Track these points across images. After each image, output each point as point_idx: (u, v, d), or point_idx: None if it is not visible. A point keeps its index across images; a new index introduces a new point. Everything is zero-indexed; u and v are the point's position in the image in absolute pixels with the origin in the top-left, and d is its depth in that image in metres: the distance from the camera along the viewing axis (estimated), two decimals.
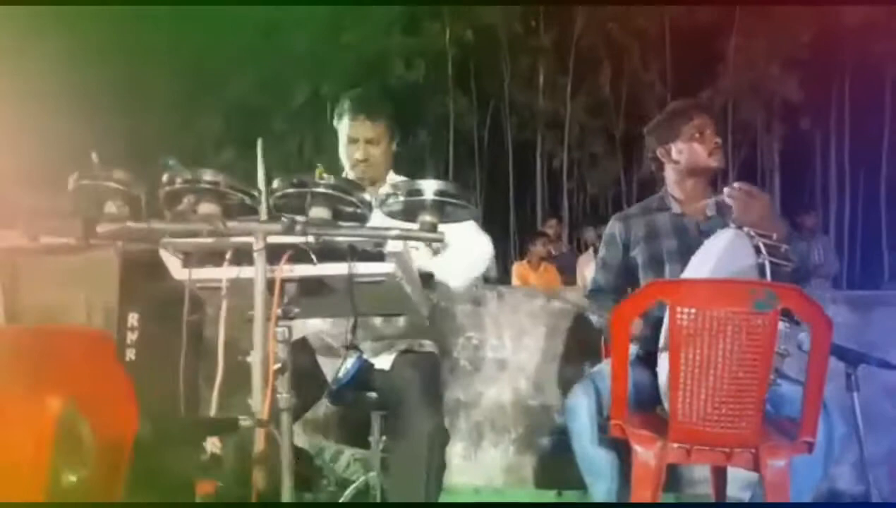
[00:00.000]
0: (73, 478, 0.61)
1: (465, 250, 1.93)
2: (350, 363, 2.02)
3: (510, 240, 13.73)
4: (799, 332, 1.55)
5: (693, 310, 1.45)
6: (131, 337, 2.21)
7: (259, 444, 1.34)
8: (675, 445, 1.60)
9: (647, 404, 1.85)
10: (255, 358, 1.35)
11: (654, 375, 1.85)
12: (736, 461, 1.57)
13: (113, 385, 0.64)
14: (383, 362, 2.02)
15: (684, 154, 2.13)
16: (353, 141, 2.06)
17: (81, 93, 8.70)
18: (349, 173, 2.08)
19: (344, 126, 2.07)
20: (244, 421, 1.26)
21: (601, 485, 1.91)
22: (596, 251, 6.21)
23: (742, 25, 11.78)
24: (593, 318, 2.22)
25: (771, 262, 1.51)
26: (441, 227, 1.34)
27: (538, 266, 6.22)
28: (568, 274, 6.56)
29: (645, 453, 1.65)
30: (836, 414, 1.68)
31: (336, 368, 2.02)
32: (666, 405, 1.75)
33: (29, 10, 8.92)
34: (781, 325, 1.46)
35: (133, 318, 2.22)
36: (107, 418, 0.61)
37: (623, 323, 1.55)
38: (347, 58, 12.84)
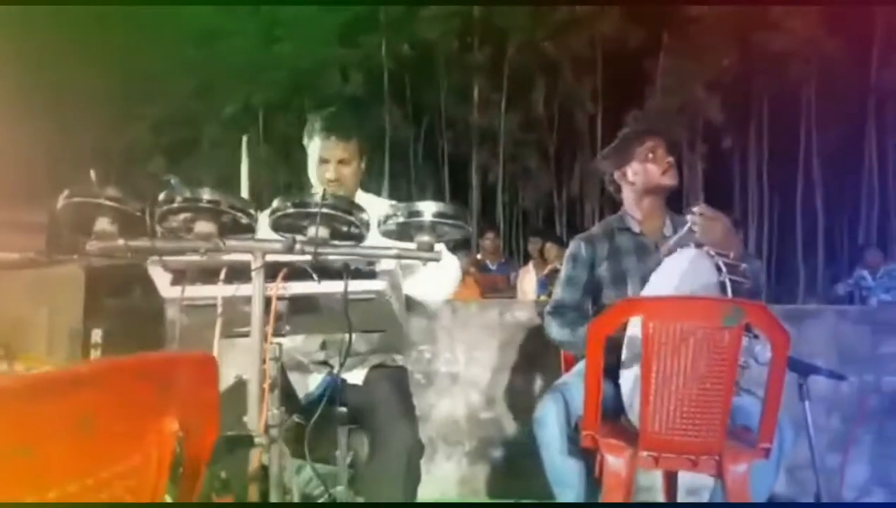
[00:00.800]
0: (169, 498, 0.62)
1: (437, 270, 1.97)
2: (321, 378, 2.04)
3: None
4: (755, 346, 1.67)
5: (665, 325, 1.55)
6: (95, 354, 2.15)
7: (255, 462, 1.35)
8: (645, 453, 1.69)
9: (611, 413, 1.94)
10: (251, 376, 1.36)
11: (616, 386, 1.95)
12: (701, 467, 1.67)
13: (207, 401, 0.66)
14: (355, 377, 2.04)
15: (640, 175, 2.26)
16: (324, 161, 2.07)
17: (14, 97, 8.32)
18: (317, 191, 2.10)
19: (315, 146, 2.07)
20: (258, 440, 1.27)
21: (569, 494, 1.99)
22: (535, 264, 6.40)
23: (669, 48, 12.36)
24: (554, 333, 2.28)
25: (731, 280, 1.63)
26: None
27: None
28: (503, 286, 6.66)
29: (615, 462, 1.74)
30: (787, 421, 1.82)
31: (306, 384, 2.04)
32: (630, 415, 1.85)
33: None
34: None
35: (96, 335, 2.17)
36: (198, 433, 0.63)
37: (598, 338, 1.64)
38: (282, 68, 12.74)
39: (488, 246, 7.29)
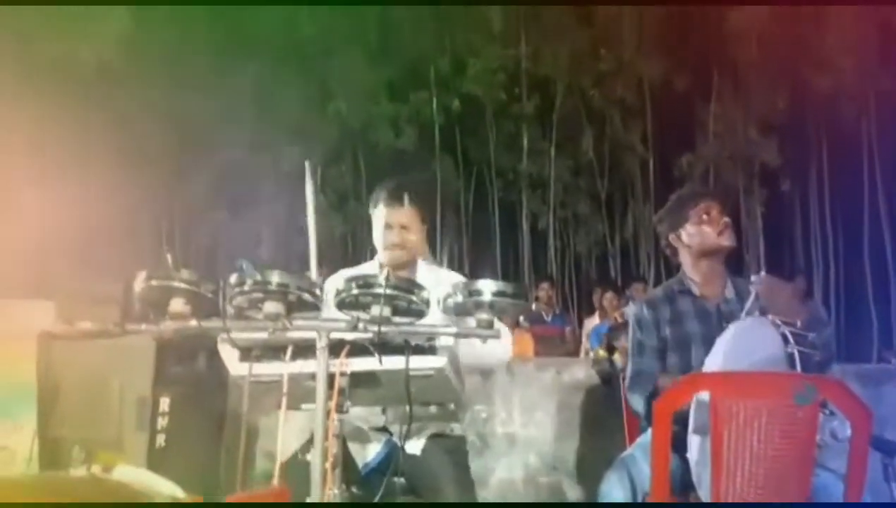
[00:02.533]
0: None
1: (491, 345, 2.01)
2: (380, 447, 2.04)
3: None
4: (832, 421, 1.60)
5: (735, 402, 1.50)
6: (162, 422, 2.20)
7: None
8: None
9: (678, 488, 1.87)
10: (314, 454, 1.38)
11: (683, 459, 1.88)
12: None
13: None
14: (414, 447, 2.04)
15: (695, 237, 2.22)
16: (388, 226, 2.16)
17: (87, 163, 8.83)
18: (382, 256, 2.17)
19: (380, 212, 2.18)
20: None
21: None
22: (601, 315, 6.27)
23: (720, 92, 12.24)
24: (642, 408, 2.21)
25: (799, 352, 1.57)
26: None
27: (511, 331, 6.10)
28: (558, 340, 6.53)
29: None
30: (871, 503, 1.72)
31: (364, 453, 2.04)
32: (699, 490, 1.79)
33: (29, 73, 9.09)
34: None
35: (164, 403, 2.23)
36: None
37: (665, 415, 1.60)
38: (336, 124, 13.13)
39: (542, 296, 7.22)
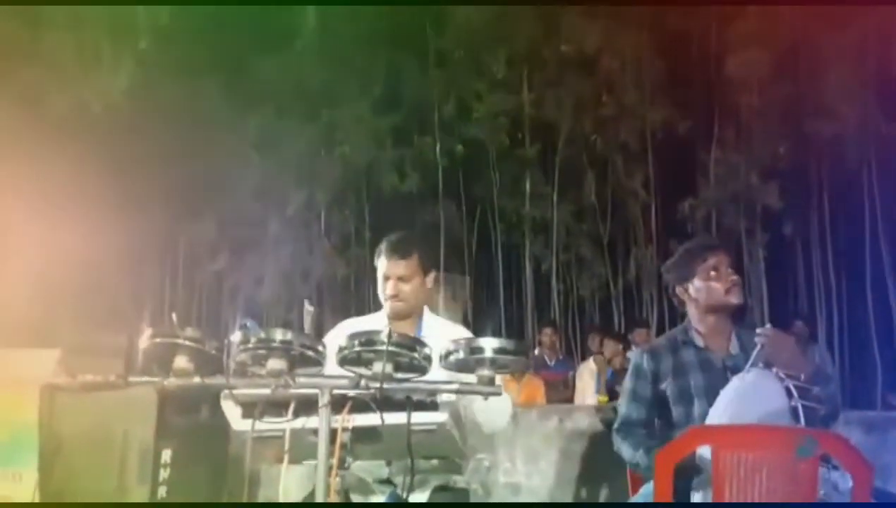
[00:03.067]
0: None
1: (492, 404, 2.03)
2: (384, 499, 2.03)
3: None
4: (833, 473, 1.59)
5: (736, 455, 1.50)
6: (164, 474, 2.20)
7: None
8: None
9: None
10: None
11: None
12: None
13: None
14: (417, 499, 2.03)
15: (702, 292, 2.23)
16: (386, 278, 2.22)
17: (86, 204, 8.91)
18: (385, 307, 2.21)
19: (380, 264, 2.24)
20: None
21: None
22: (596, 360, 6.27)
23: (721, 138, 12.37)
24: (626, 454, 2.22)
25: (803, 405, 1.58)
26: None
27: (521, 377, 5.99)
28: (561, 385, 6.49)
29: None
30: None
31: (369, 505, 2.04)
32: None
33: (35, 121, 9.28)
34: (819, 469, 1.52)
35: (166, 455, 2.22)
36: None
37: (667, 467, 1.59)
38: (341, 168, 13.30)
39: (546, 342, 7.21)
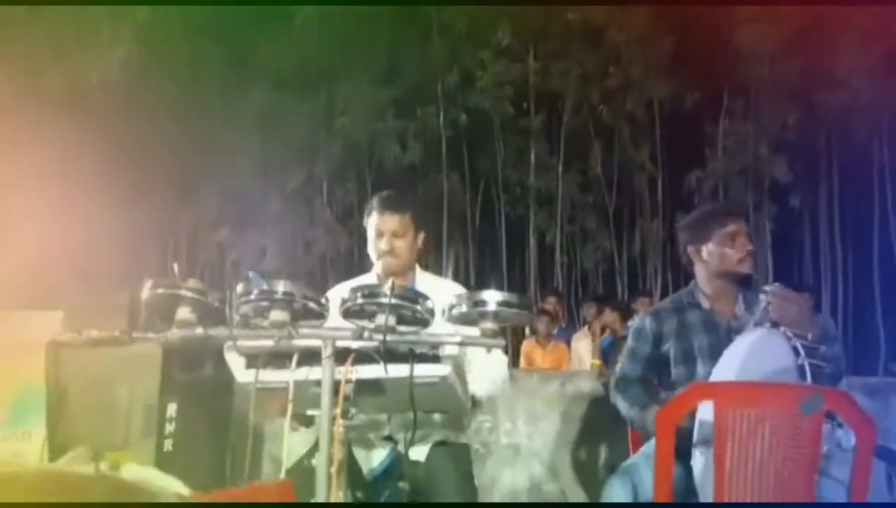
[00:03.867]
0: None
1: (488, 370, 2.08)
2: (385, 454, 2.05)
3: None
4: (837, 431, 1.59)
5: (739, 412, 1.50)
6: (169, 428, 2.22)
7: None
8: None
9: (682, 496, 1.87)
10: (319, 460, 1.39)
11: (686, 468, 1.88)
12: None
13: None
14: (418, 453, 2.05)
15: (714, 257, 2.21)
16: (379, 234, 2.18)
17: (96, 180, 8.92)
18: (377, 265, 2.19)
19: (372, 221, 2.20)
20: None
21: None
22: (591, 328, 6.29)
23: (729, 109, 12.24)
24: (622, 409, 2.24)
25: (810, 364, 1.57)
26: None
27: (546, 343, 6.24)
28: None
29: None
30: None
31: (370, 459, 2.05)
32: (702, 499, 1.78)
33: (38, 92, 9.24)
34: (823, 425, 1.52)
35: (171, 409, 2.24)
36: None
37: (668, 425, 1.60)
38: (342, 141, 13.22)
39: (549, 311, 7.21)
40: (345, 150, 13.37)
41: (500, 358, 2.16)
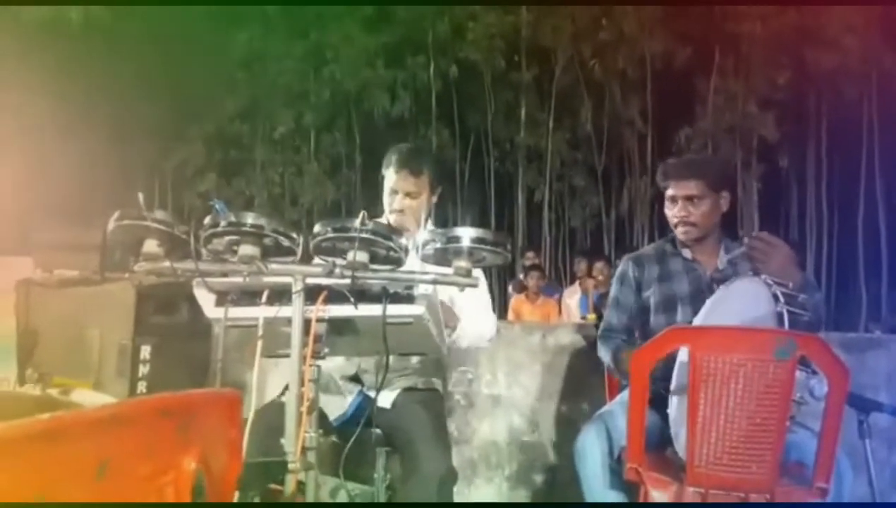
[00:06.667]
0: None
1: (475, 322, 2.08)
2: (352, 399, 2.03)
3: (490, 272, 13.75)
4: (810, 379, 1.59)
5: (714, 357, 1.49)
6: (143, 370, 2.20)
7: (291, 486, 1.35)
8: (692, 489, 1.63)
9: (656, 444, 1.87)
10: (289, 398, 1.37)
11: (663, 416, 1.88)
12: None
13: (230, 438, 0.66)
14: (383, 400, 2.02)
15: (667, 212, 2.19)
16: (394, 192, 2.15)
17: (74, 122, 8.71)
18: (388, 218, 2.15)
19: (389, 176, 2.16)
20: (291, 465, 1.26)
21: None
22: (582, 284, 6.32)
23: (720, 67, 12.12)
24: (603, 357, 2.24)
25: (789, 311, 1.56)
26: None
27: (536, 298, 6.29)
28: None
29: (661, 497, 1.67)
30: (845, 460, 1.73)
31: (337, 404, 2.03)
32: (677, 446, 1.79)
33: (16, 34, 8.94)
34: (797, 373, 1.51)
35: (145, 351, 2.22)
36: (220, 469, 0.63)
37: (642, 368, 1.59)
38: (330, 89, 12.98)
39: (540, 266, 7.23)
40: (333, 98, 13.15)
41: (489, 317, 2.17)
